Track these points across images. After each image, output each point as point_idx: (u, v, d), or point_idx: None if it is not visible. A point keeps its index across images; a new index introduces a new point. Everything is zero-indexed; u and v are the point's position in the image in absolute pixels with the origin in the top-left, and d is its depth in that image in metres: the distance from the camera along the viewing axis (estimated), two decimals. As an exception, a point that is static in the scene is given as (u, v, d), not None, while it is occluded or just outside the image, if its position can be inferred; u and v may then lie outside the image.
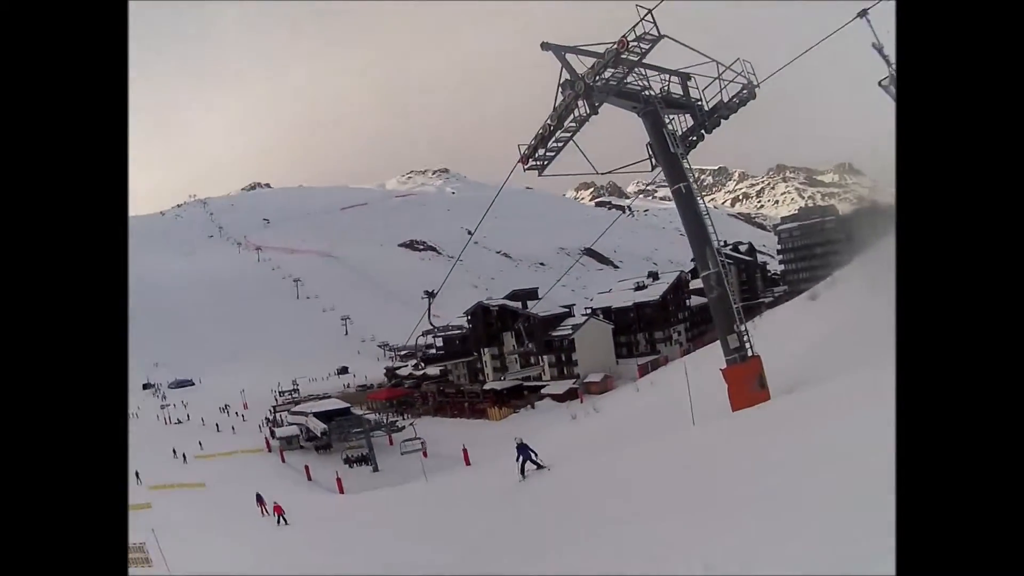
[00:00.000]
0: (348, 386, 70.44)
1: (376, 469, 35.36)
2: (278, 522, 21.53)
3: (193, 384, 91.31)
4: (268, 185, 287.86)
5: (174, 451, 43.38)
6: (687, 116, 14.72)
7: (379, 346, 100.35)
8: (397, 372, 69.49)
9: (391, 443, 39.00)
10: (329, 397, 54.55)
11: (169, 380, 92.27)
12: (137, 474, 39.18)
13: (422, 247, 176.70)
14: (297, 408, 51.21)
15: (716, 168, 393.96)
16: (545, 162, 10.89)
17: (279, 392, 66.47)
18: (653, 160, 13.42)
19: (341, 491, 29.33)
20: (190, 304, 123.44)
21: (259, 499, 25.07)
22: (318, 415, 44.04)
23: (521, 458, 15.23)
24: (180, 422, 62.05)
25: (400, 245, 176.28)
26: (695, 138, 14.79)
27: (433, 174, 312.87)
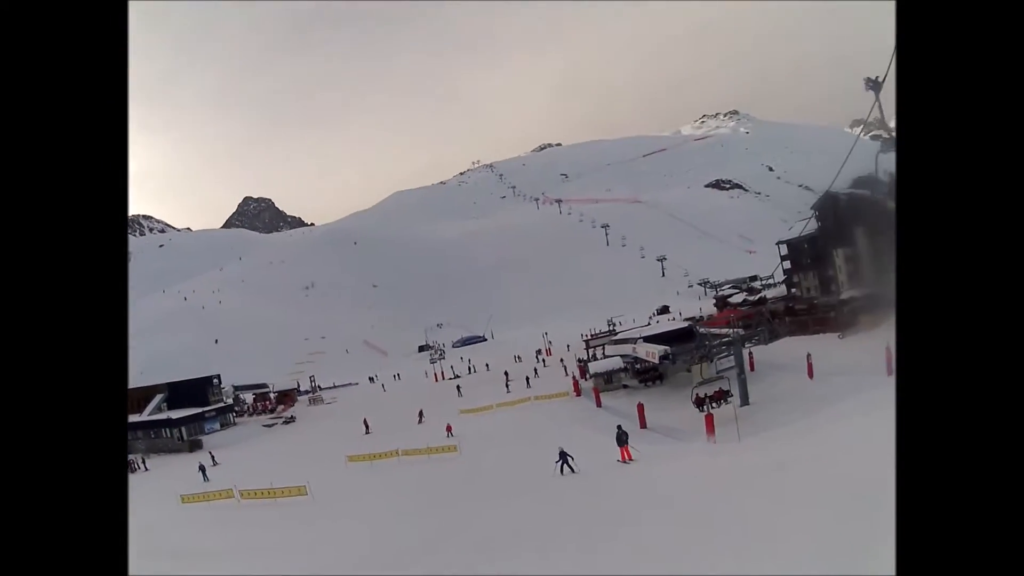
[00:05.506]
0: (673, 320, 60.79)
1: (746, 402, 24.84)
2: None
3: (484, 340, 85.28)
4: (559, 144, 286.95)
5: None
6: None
7: (699, 284, 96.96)
8: (729, 300, 61.90)
9: (752, 367, 29.28)
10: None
11: (454, 339, 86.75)
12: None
13: (728, 186, 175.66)
14: (618, 337, 41.11)
15: None
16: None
17: (592, 334, 55.12)
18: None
19: (711, 433, 19.60)
20: (484, 262, 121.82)
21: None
22: (650, 339, 34.24)
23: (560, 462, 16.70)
24: (458, 376, 54.10)
25: (707, 186, 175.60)
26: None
27: (724, 116, 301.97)
